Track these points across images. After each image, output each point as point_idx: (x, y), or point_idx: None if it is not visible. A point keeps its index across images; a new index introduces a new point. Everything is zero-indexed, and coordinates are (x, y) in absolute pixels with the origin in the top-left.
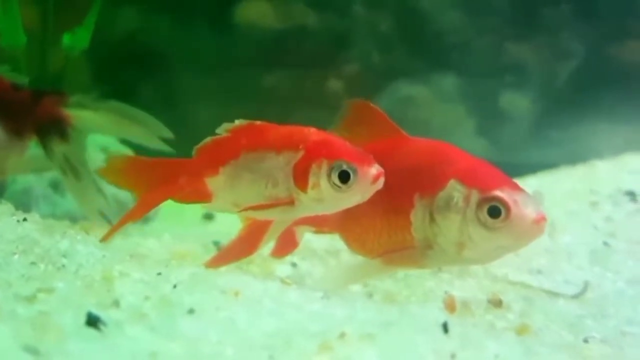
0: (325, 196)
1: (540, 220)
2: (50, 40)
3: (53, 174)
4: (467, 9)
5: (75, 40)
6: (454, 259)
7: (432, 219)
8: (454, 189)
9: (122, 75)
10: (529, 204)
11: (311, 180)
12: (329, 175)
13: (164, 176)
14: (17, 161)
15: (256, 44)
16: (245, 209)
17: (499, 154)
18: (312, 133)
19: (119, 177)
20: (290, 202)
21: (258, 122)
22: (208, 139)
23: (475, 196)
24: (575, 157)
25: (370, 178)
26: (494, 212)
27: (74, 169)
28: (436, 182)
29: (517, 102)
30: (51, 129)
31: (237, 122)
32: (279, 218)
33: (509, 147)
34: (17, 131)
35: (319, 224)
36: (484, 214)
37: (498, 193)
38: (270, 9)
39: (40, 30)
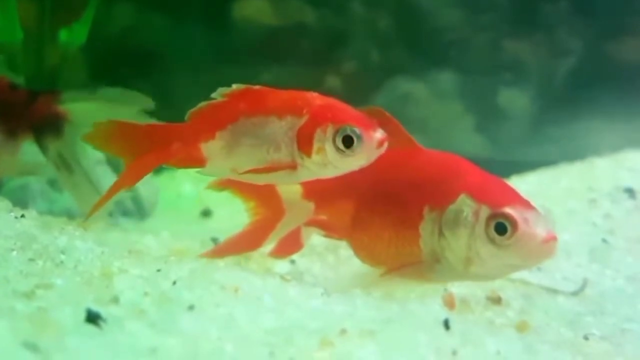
0: (329, 160)
1: (549, 240)
2: (47, 37)
3: (50, 171)
4: (465, 6)
5: (73, 36)
6: (461, 274)
7: (440, 233)
8: (464, 204)
9: (119, 72)
10: (539, 222)
11: (316, 144)
12: (334, 140)
13: (155, 141)
14: (10, 161)
15: (254, 41)
16: (246, 172)
17: (497, 151)
18: (316, 97)
19: (107, 143)
20: (293, 166)
21: (256, 87)
22: (203, 103)
23: (484, 212)
24: (573, 155)
25: (375, 142)
26: (502, 229)
27: (69, 165)
28: (446, 195)
29: (516, 100)
30: (47, 127)
31: (234, 86)
32: (280, 182)
33: (507, 144)
34: (12, 131)
35: (330, 229)
36: (492, 230)
37: (507, 210)
38: (268, 6)
39: (37, 26)
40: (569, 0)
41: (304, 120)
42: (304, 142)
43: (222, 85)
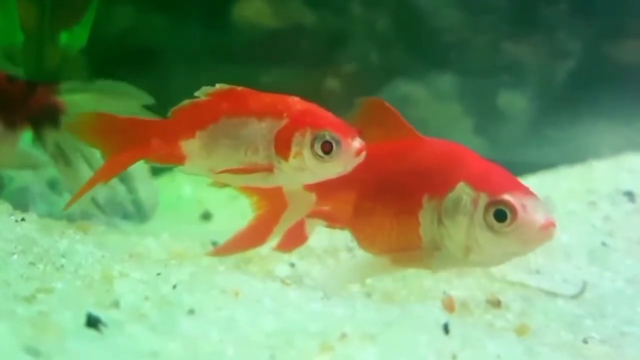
0: (306, 166)
1: (548, 226)
2: (48, 39)
3: (50, 172)
4: (465, 7)
5: (73, 38)
6: (461, 262)
7: (440, 221)
8: (463, 192)
9: (119, 74)
10: (538, 209)
11: (294, 149)
12: (312, 145)
13: (137, 136)
14: (9, 153)
15: (253, 42)
16: (223, 172)
17: (497, 153)
18: (296, 102)
19: (88, 134)
20: (270, 169)
21: (239, 88)
22: (186, 102)
23: (483, 199)
24: (573, 157)
25: (353, 150)
26: (501, 216)
27: (67, 157)
28: (446, 183)
29: (515, 101)
30: (45, 118)
31: (217, 86)
32: (256, 184)
33: (506, 146)
34: (11, 123)
35: (332, 219)
36: (490, 218)
37: (506, 197)
38: (268, 7)
39: (37, 28)
40: (569, 1)
41: (283, 123)
42: (281, 146)
43: None
